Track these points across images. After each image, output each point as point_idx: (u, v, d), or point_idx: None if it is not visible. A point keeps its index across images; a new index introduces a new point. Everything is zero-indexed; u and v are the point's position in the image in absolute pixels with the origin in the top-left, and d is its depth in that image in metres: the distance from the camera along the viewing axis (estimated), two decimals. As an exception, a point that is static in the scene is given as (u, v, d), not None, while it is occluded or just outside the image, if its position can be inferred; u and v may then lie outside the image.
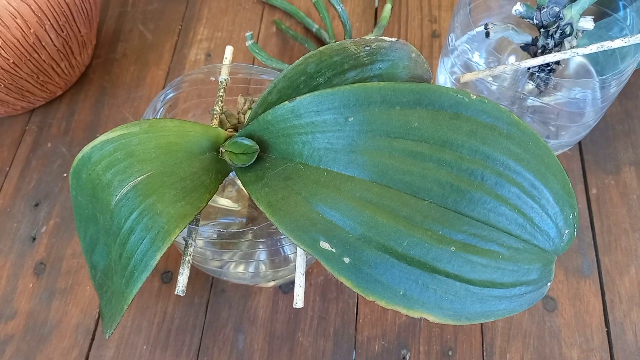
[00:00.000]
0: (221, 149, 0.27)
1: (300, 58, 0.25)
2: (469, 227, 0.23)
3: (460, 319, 0.23)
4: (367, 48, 0.25)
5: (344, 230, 0.23)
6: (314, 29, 0.47)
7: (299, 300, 0.25)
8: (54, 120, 0.44)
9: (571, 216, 0.25)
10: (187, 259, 0.26)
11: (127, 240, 0.25)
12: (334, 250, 0.22)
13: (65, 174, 0.42)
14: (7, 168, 0.42)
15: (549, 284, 0.25)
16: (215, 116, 0.30)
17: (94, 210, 0.28)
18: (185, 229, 0.26)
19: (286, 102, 0.25)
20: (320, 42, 0.47)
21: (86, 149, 0.27)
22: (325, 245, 0.22)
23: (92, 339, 0.36)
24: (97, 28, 0.48)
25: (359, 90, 0.24)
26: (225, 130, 0.30)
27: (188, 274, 0.25)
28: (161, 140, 0.26)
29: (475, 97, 0.24)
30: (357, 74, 0.26)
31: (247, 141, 0.26)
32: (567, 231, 0.25)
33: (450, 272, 0.23)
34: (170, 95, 0.31)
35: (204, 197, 0.26)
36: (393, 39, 0.25)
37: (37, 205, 0.41)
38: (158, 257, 0.24)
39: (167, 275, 0.38)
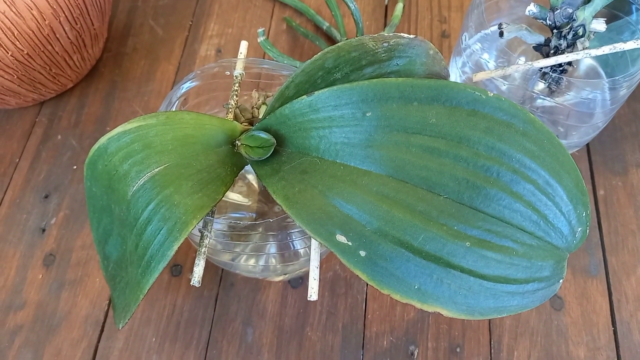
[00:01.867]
0: (237, 142, 0.27)
1: (319, 53, 0.26)
2: (484, 222, 0.24)
3: (473, 313, 0.23)
4: (385, 44, 0.25)
5: (360, 224, 0.23)
6: (324, 27, 0.47)
7: (313, 293, 0.25)
8: (64, 113, 0.45)
9: (584, 214, 0.25)
10: (202, 250, 0.26)
11: (144, 231, 0.25)
12: (350, 243, 0.23)
13: (75, 167, 0.42)
14: (17, 159, 0.43)
15: (561, 281, 0.25)
16: (230, 110, 0.30)
17: (108, 201, 0.28)
18: (201, 221, 0.27)
19: (304, 96, 0.25)
20: (331, 40, 0.47)
21: (103, 139, 0.27)
22: (341, 238, 0.23)
23: (102, 331, 0.36)
24: (109, 22, 0.48)
25: (377, 85, 0.24)
26: (240, 124, 0.30)
27: (204, 265, 0.26)
28: (178, 133, 0.27)
29: (492, 94, 0.24)
30: (374, 69, 0.26)
31: (263, 135, 0.26)
32: (579, 229, 0.25)
33: (465, 267, 0.23)
34: (185, 89, 0.32)
35: (220, 190, 0.26)
36: (411, 36, 0.25)
37: (46, 197, 0.41)
38: (175, 247, 0.24)
39: (176, 269, 0.38)
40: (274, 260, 0.34)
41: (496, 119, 0.24)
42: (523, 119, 0.24)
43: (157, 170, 0.25)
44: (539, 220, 0.24)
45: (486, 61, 0.36)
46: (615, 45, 0.31)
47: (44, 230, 0.40)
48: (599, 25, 0.33)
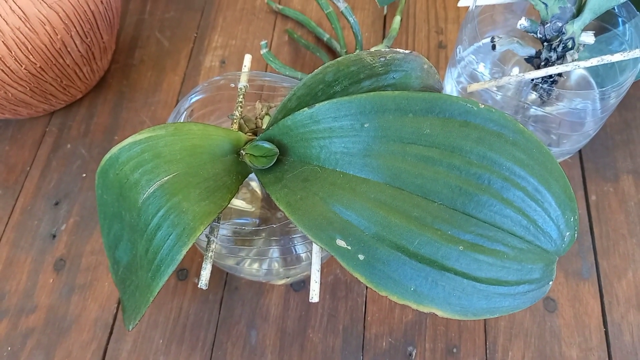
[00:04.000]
0: (242, 151, 0.29)
1: (319, 67, 0.27)
2: (476, 227, 0.25)
3: (467, 314, 0.24)
4: (382, 59, 0.27)
5: (359, 229, 0.24)
6: (325, 39, 0.48)
7: (315, 295, 0.26)
8: (73, 123, 0.46)
9: (572, 219, 0.26)
10: (209, 255, 0.27)
11: (154, 236, 0.26)
12: (349, 247, 0.24)
13: (84, 175, 0.44)
14: (28, 168, 0.44)
15: (550, 283, 0.26)
16: (235, 121, 0.32)
17: (119, 208, 0.29)
18: (208, 227, 0.28)
19: (305, 108, 0.27)
20: (331, 51, 0.49)
21: (114, 149, 0.28)
22: (341, 243, 0.24)
23: (110, 333, 0.37)
24: (116, 35, 0.50)
25: (375, 98, 0.26)
26: (245, 134, 0.31)
27: (210, 269, 0.27)
28: (186, 143, 0.28)
29: (483, 106, 0.25)
30: (372, 83, 0.27)
31: (267, 144, 0.28)
32: (568, 233, 0.26)
33: (459, 269, 0.24)
34: (193, 100, 0.33)
35: (226, 197, 0.27)
36: (407, 51, 0.26)
37: (57, 204, 0.42)
38: (184, 252, 0.25)
39: (182, 273, 0.39)
40: (276, 264, 0.35)
41: (487, 129, 0.25)
42: (513, 129, 0.26)
43: (166, 178, 0.27)
44: (529, 225, 0.25)
45: (481, 73, 0.38)
46: (603, 57, 0.32)
47: (54, 236, 0.41)
48: (588, 38, 0.34)
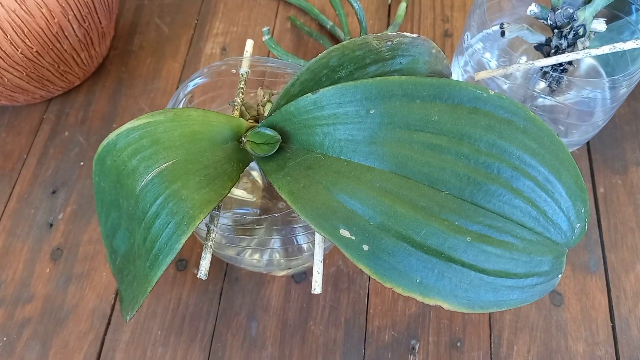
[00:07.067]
0: (243, 138, 0.28)
1: (324, 52, 0.26)
2: (484, 218, 0.24)
3: (473, 307, 0.24)
4: (389, 43, 0.26)
5: (364, 219, 0.24)
6: (328, 26, 0.47)
7: (317, 287, 0.25)
8: (71, 110, 0.45)
9: (583, 210, 0.26)
10: (209, 244, 0.27)
11: (152, 225, 0.26)
12: (353, 237, 0.23)
13: (82, 163, 0.43)
14: (25, 155, 0.43)
15: (559, 275, 0.25)
16: (236, 107, 0.31)
17: (117, 196, 0.29)
18: (208, 215, 0.27)
19: (309, 94, 0.26)
20: (335, 38, 0.48)
21: (112, 135, 0.27)
22: (345, 232, 0.23)
23: (108, 324, 0.36)
24: (115, 20, 0.49)
25: (381, 83, 0.25)
26: (246, 121, 0.30)
27: (210, 259, 0.26)
28: (186, 129, 0.27)
29: (493, 92, 0.25)
30: (378, 68, 0.26)
31: (269, 131, 0.27)
32: (578, 225, 0.26)
33: (466, 261, 0.23)
34: (192, 86, 0.32)
35: (226, 185, 0.27)
36: (414, 35, 0.26)
37: (54, 192, 0.42)
38: (183, 240, 0.24)
39: (182, 263, 0.39)
40: (277, 255, 0.35)
41: (497, 116, 0.25)
42: (523, 117, 0.25)
43: (165, 165, 0.26)
44: (539, 216, 0.25)
45: (488, 60, 0.37)
46: (615, 45, 0.31)
47: (51, 225, 0.40)
48: (599, 25, 0.33)
